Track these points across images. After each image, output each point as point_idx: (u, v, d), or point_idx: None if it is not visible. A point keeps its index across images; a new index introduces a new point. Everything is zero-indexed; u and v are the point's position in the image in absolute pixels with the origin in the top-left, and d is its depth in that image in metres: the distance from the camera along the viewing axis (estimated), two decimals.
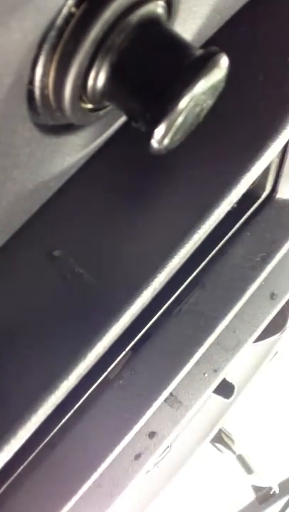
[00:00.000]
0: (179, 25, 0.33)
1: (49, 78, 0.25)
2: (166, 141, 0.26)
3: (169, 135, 0.26)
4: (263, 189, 0.60)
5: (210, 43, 0.38)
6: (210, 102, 0.29)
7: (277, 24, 0.39)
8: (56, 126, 0.30)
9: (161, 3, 0.27)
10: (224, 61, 0.26)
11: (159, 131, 0.25)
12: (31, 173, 0.31)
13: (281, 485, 1.42)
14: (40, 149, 0.29)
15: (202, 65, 0.25)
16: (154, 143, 0.26)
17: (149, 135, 0.26)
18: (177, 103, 0.25)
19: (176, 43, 0.26)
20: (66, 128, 0.30)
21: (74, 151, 0.33)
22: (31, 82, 0.25)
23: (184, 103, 0.25)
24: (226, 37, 0.39)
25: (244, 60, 0.37)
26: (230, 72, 0.27)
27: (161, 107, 0.25)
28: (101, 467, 0.52)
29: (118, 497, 0.57)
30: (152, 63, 0.25)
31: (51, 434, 0.50)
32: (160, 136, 0.26)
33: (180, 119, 0.26)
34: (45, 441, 0.51)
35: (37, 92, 0.25)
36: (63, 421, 0.51)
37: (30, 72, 0.24)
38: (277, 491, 1.32)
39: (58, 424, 0.51)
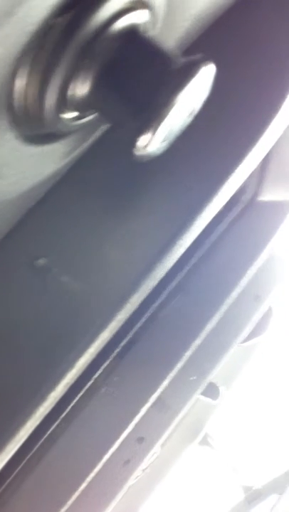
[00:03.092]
0: (162, 33, 0.33)
1: (31, 89, 0.25)
2: (152, 148, 0.26)
3: (155, 142, 0.26)
4: (246, 192, 0.61)
5: (193, 50, 0.39)
6: (195, 109, 0.29)
7: (258, 30, 0.40)
8: (38, 135, 0.29)
9: (144, 12, 0.27)
10: (209, 68, 0.26)
11: (145, 138, 0.26)
12: (14, 183, 0.30)
13: (268, 484, 1.44)
14: (22, 159, 0.29)
15: (187, 72, 0.25)
16: (140, 150, 0.26)
17: (135, 142, 0.26)
18: (162, 111, 0.25)
19: (160, 52, 0.26)
20: (48, 137, 0.30)
21: (56, 159, 0.33)
22: (13, 93, 0.25)
23: (169, 111, 0.25)
24: (208, 43, 0.39)
25: (227, 66, 0.38)
26: (213, 78, 0.27)
27: (146, 115, 0.25)
28: (89, 475, 0.52)
29: (108, 504, 0.57)
30: (137, 72, 0.25)
31: (38, 444, 0.50)
32: (146, 143, 0.26)
33: (165, 127, 0.26)
34: (32, 452, 0.50)
35: (19, 103, 0.25)
36: (50, 431, 0.50)
37: (12, 83, 0.24)
38: (262, 488, 1.34)
39: (45, 434, 0.50)
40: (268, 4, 0.39)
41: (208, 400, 0.73)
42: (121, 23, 0.25)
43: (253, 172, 0.58)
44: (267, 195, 0.63)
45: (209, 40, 0.39)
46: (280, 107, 0.36)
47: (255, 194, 0.61)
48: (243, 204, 0.61)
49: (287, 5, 0.39)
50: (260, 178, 0.59)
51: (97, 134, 0.36)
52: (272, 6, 0.39)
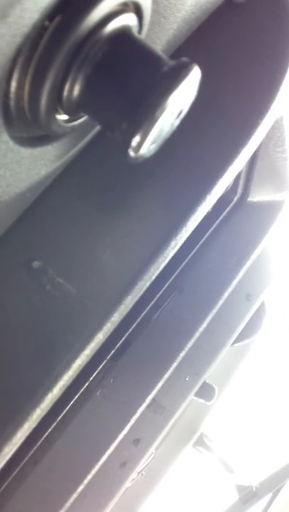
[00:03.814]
0: (150, 36, 0.33)
1: (24, 91, 0.25)
2: (142, 150, 0.27)
3: (146, 144, 0.26)
4: (235, 193, 0.61)
5: (179, 53, 0.39)
6: (183, 111, 0.29)
7: (243, 33, 0.41)
8: (32, 137, 0.30)
9: (132, 16, 0.27)
10: (196, 71, 0.27)
11: (136, 140, 0.26)
12: (8, 185, 0.30)
13: (262, 483, 1.44)
14: (16, 161, 0.29)
15: (175, 75, 0.25)
16: (131, 152, 0.27)
17: (126, 145, 0.26)
18: (153, 113, 0.25)
19: (149, 54, 0.26)
20: (42, 139, 0.30)
21: (50, 161, 0.33)
22: (7, 95, 0.25)
23: (159, 113, 0.25)
24: (194, 46, 0.40)
25: (213, 69, 0.38)
26: (200, 81, 0.28)
27: (137, 117, 0.25)
28: (86, 478, 0.52)
29: (105, 507, 0.57)
30: (126, 74, 0.26)
31: (35, 447, 0.50)
32: (137, 146, 0.26)
33: (156, 129, 0.26)
34: (29, 455, 0.50)
35: (12, 104, 0.26)
36: (47, 433, 0.50)
37: (5, 85, 0.24)
38: (257, 489, 1.34)
39: (42, 436, 0.50)
40: (256, 6, 0.40)
41: (203, 400, 0.73)
42: (111, 26, 0.25)
43: (240, 173, 0.59)
44: (256, 196, 0.63)
45: (197, 43, 0.39)
46: (269, 108, 0.37)
47: (245, 194, 0.62)
48: (233, 204, 0.61)
49: (275, 7, 0.39)
50: (248, 178, 0.60)
51: (89, 137, 0.37)
52: (260, 8, 0.40)
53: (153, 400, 0.55)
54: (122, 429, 0.53)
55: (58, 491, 0.51)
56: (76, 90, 0.26)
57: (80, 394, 0.54)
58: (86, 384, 0.54)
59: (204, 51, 0.40)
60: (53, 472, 0.50)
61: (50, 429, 0.51)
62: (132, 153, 0.27)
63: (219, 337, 0.65)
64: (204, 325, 0.58)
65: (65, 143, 0.33)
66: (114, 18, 0.25)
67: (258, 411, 1.64)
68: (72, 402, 0.53)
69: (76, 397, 0.53)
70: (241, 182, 0.60)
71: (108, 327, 0.34)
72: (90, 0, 0.24)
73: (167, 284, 0.59)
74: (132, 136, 0.26)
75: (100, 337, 0.34)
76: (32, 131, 0.28)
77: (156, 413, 0.61)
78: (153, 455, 0.73)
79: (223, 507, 1.41)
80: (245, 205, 0.62)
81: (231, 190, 0.61)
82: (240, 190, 0.61)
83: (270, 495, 1.50)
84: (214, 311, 0.59)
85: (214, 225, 0.62)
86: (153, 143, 0.28)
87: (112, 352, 0.55)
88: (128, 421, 0.53)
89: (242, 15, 0.40)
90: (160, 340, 0.57)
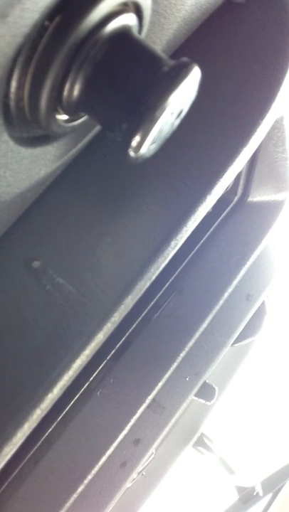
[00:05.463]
0: (150, 36, 0.33)
1: (24, 91, 0.25)
2: (142, 150, 0.27)
3: (146, 144, 0.26)
4: (235, 193, 0.61)
5: (179, 53, 0.39)
6: (183, 111, 0.29)
7: (243, 33, 0.41)
8: (32, 137, 0.30)
9: (132, 16, 0.27)
10: (196, 71, 0.27)
11: (136, 140, 0.26)
12: (8, 185, 0.30)
13: (263, 483, 1.44)
14: (16, 161, 0.29)
15: (175, 75, 0.25)
16: (131, 152, 0.27)
17: (126, 145, 0.26)
18: (153, 113, 0.25)
19: (149, 54, 0.26)
20: (42, 139, 0.31)
21: (50, 161, 0.33)
22: (6, 95, 0.25)
23: (159, 113, 0.25)
24: (194, 46, 0.40)
25: (213, 69, 0.38)
26: (201, 81, 0.28)
27: (137, 117, 0.25)
28: (86, 478, 0.52)
29: (105, 507, 0.57)
30: (126, 74, 0.26)
31: (35, 447, 0.50)
32: (137, 146, 0.26)
33: (156, 129, 0.26)
34: (29, 455, 0.50)
35: (12, 104, 0.26)
36: (47, 433, 0.50)
37: (5, 86, 0.24)
38: (260, 492, 1.34)
39: (42, 437, 0.50)
40: (256, 6, 0.40)
41: (203, 400, 0.73)
42: (111, 26, 0.25)
43: (240, 173, 0.59)
44: (256, 196, 0.64)
45: (197, 43, 0.39)
46: (269, 108, 0.37)
47: (245, 194, 0.62)
48: (233, 204, 0.61)
49: (275, 7, 0.39)
50: (248, 178, 0.60)
51: (89, 138, 0.37)
52: (260, 8, 0.40)
53: (153, 400, 0.55)
54: (122, 429, 0.53)
55: (58, 491, 0.51)
56: (76, 90, 0.26)
57: (80, 394, 0.54)
58: (86, 384, 0.54)
59: (204, 51, 0.40)
60: (53, 472, 0.50)
61: (50, 429, 0.51)
62: (132, 153, 0.27)
63: (219, 337, 0.65)
64: (204, 325, 0.58)
65: (65, 143, 0.33)
66: (114, 18, 0.25)
67: (258, 411, 1.64)
68: (72, 402, 0.53)
69: (76, 397, 0.53)
70: (241, 182, 0.60)
71: (108, 327, 0.34)
72: (90, 0, 0.24)
73: (167, 284, 0.59)
74: (132, 136, 0.26)
75: (100, 337, 0.34)
76: (32, 131, 0.28)
77: (156, 413, 0.61)
78: (153, 455, 0.74)
79: (223, 507, 1.41)
80: (245, 205, 0.62)
81: (231, 190, 0.62)
82: (240, 190, 0.61)
83: (270, 495, 1.51)
84: (214, 311, 0.59)
85: (214, 225, 0.62)
86: (153, 143, 0.28)
87: (112, 352, 0.55)
88: (128, 421, 0.53)
89: (242, 15, 0.40)
90: (160, 340, 0.57)
